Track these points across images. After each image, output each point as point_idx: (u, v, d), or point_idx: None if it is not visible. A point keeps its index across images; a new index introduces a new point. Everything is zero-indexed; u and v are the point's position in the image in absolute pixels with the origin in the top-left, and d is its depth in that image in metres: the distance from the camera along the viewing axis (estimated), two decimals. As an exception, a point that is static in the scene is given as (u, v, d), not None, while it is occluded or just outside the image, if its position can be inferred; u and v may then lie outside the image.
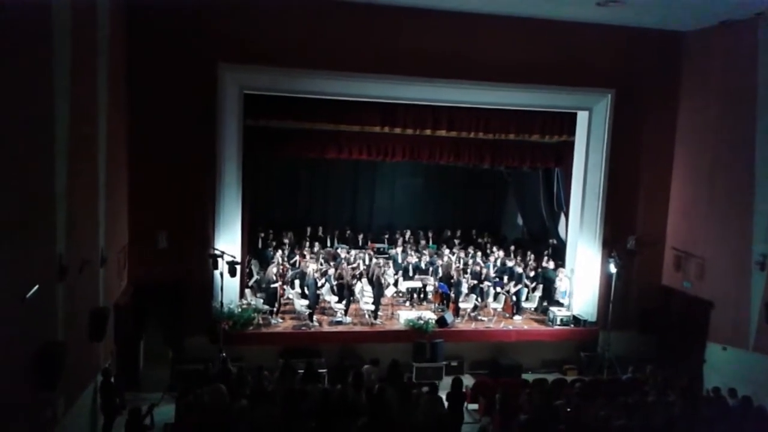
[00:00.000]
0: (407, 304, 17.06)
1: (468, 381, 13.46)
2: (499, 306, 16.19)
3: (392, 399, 10.27)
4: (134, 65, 13.17)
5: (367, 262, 17.75)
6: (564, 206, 17.63)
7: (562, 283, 16.41)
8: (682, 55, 15.57)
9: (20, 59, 6.94)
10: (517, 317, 16.14)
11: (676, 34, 15.39)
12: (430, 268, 17.47)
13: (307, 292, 15.24)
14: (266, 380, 11.36)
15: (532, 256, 18.67)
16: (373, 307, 15.42)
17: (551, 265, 17.55)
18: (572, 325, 15.76)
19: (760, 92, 13.27)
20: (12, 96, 6.71)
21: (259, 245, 18.57)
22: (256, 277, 16.44)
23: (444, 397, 10.87)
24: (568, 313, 15.91)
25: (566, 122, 16.34)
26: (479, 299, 16.18)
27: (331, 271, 16.31)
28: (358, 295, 15.72)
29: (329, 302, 15.77)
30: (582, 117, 16.00)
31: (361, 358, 13.85)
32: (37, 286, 7.04)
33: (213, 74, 13.62)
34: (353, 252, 18.66)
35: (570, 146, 16.51)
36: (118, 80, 12.15)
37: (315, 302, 15.16)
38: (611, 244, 15.68)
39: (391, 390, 10.68)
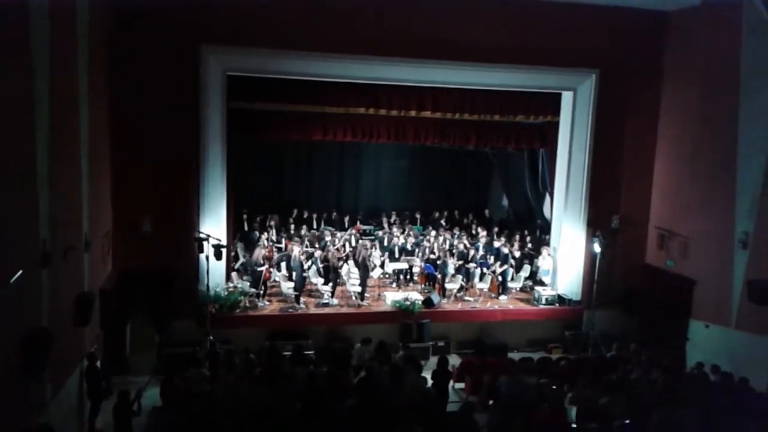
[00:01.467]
0: (394, 285, 17.13)
1: (454, 360, 13.58)
2: (485, 286, 16.29)
3: (381, 379, 10.35)
4: (116, 49, 12.99)
5: (353, 244, 17.77)
6: (549, 186, 17.73)
7: (544, 261, 16.54)
8: (666, 35, 15.59)
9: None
10: (502, 297, 16.25)
11: (660, 13, 15.38)
12: (416, 250, 17.52)
13: (293, 274, 15.25)
14: (252, 363, 11.40)
15: (518, 236, 18.78)
16: (359, 289, 15.47)
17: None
18: (557, 305, 15.91)
19: (743, 72, 13.32)
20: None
21: (244, 227, 18.53)
22: (242, 260, 16.42)
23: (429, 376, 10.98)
24: (553, 293, 16.05)
25: (551, 103, 16.38)
26: (465, 280, 16.27)
27: (318, 254, 16.33)
28: (344, 277, 15.76)
29: (316, 284, 15.80)
30: (566, 97, 16.02)
31: (348, 339, 13.92)
32: (20, 272, 6.99)
33: (196, 56, 13.51)
34: (339, 234, 18.67)
35: (555, 127, 16.56)
36: (99, 65, 12.00)
37: (301, 285, 15.18)
38: (595, 223, 15.80)
39: (379, 370, 10.77)
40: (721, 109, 13.96)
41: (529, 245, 18.32)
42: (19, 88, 7.68)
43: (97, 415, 10.73)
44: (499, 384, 10.57)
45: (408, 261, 17.14)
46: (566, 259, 16.24)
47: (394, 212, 21.19)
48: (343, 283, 15.80)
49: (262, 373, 10.73)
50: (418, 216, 21.22)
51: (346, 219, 20.47)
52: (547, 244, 17.10)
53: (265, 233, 17.80)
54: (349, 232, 18.88)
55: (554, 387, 10.66)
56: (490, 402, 10.53)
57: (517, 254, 17.29)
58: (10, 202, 7.30)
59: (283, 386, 9.99)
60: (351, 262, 16.28)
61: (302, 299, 15.13)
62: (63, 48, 9.32)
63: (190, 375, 10.65)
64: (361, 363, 11.58)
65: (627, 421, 9.12)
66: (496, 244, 17.46)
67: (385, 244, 17.87)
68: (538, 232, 19.31)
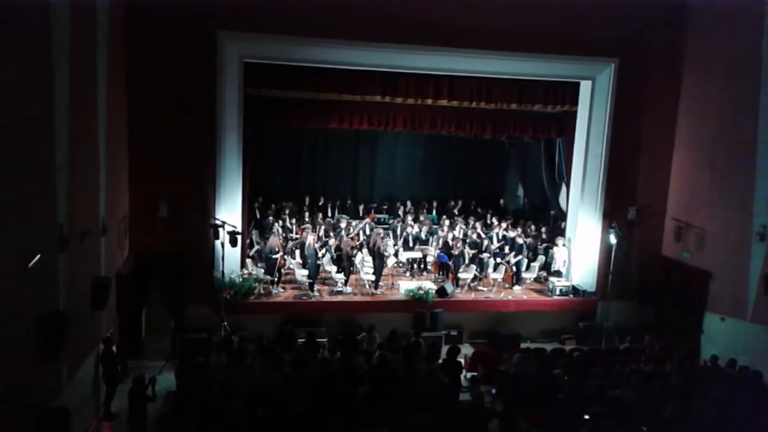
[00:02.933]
0: (407, 274, 17.13)
1: (467, 350, 13.59)
2: (499, 276, 16.25)
3: (394, 367, 10.39)
4: (133, 35, 13.04)
5: (367, 233, 17.77)
6: (565, 177, 17.59)
7: (559, 252, 16.46)
8: (687, 25, 15.39)
9: (18, 29, 6.88)
10: (516, 287, 16.21)
11: (681, 3, 15.20)
12: (431, 239, 17.50)
13: (308, 262, 15.29)
14: (266, 349, 11.46)
15: (533, 226, 18.71)
16: (373, 278, 15.49)
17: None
18: (571, 296, 15.84)
19: (765, 62, 13.13)
20: (11, 65, 6.66)
21: (257, 215, 18.58)
22: (257, 246, 16.49)
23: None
24: (568, 284, 15.99)
25: (569, 92, 16.21)
26: (479, 270, 16.23)
27: (332, 242, 16.36)
28: (358, 266, 15.78)
29: (330, 272, 15.84)
30: (585, 87, 15.88)
31: (361, 328, 13.93)
32: (38, 256, 7.07)
33: (213, 43, 13.52)
34: (354, 222, 18.68)
35: (572, 116, 16.41)
36: (117, 50, 12.06)
37: (315, 272, 15.21)
38: (612, 214, 15.69)
39: (391, 358, 10.81)
40: (741, 99, 13.79)
41: (544, 236, 18.24)
42: (39, 74, 7.74)
43: (113, 398, 10.86)
44: (513, 362, 10.65)
45: (422, 250, 17.13)
46: (581, 250, 16.17)
47: (408, 201, 21.15)
48: (357, 272, 15.83)
49: (278, 359, 10.79)
50: (435, 204, 21.16)
51: (361, 207, 20.47)
52: (562, 234, 17.01)
53: (280, 220, 17.84)
54: (365, 221, 18.86)
55: (566, 377, 10.65)
56: (492, 391, 10.54)
57: (529, 241, 17.18)
58: (29, 187, 7.38)
59: (298, 373, 10.05)
60: (365, 250, 16.30)
61: (316, 287, 15.17)
62: (82, 34, 9.37)
63: (208, 360, 10.73)
64: (372, 350, 11.63)
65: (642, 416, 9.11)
66: (511, 234, 17.40)
67: (399, 232, 17.86)
68: (551, 222, 19.22)
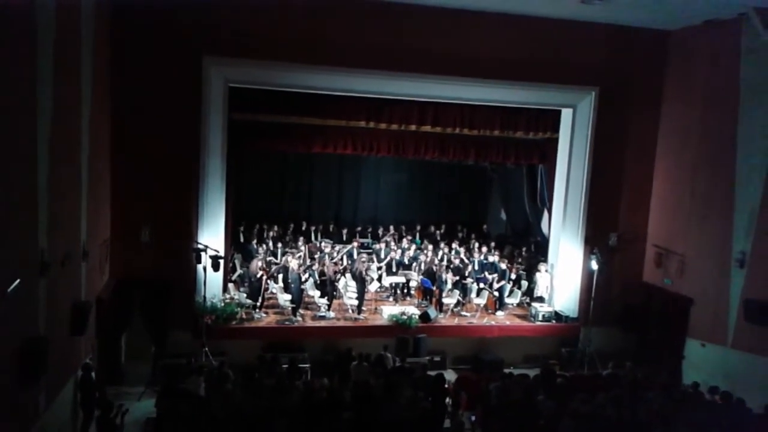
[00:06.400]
0: (390, 299, 17.08)
1: (450, 376, 13.54)
2: (482, 301, 16.25)
3: (376, 393, 10.33)
4: (118, 58, 13.05)
5: (354, 257, 17.72)
6: (547, 203, 17.74)
7: (542, 278, 16.53)
8: (667, 54, 15.68)
9: (2, 53, 6.87)
10: (499, 313, 16.22)
11: (660, 32, 15.48)
12: (414, 263, 17.49)
13: (291, 287, 15.21)
14: (251, 376, 11.38)
15: (515, 252, 18.76)
16: (356, 302, 15.43)
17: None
18: (554, 321, 15.86)
19: (743, 91, 13.42)
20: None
21: (240, 239, 18.50)
22: (239, 271, 16.39)
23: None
24: (550, 309, 16.02)
25: (550, 119, 16.42)
26: (462, 295, 16.24)
27: (315, 266, 16.29)
28: (341, 290, 15.73)
29: (313, 297, 15.76)
30: (566, 114, 16.08)
31: (349, 352, 13.85)
32: (18, 281, 6.97)
33: (198, 67, 13.54)
34: (337, 247, 18.63)
35: (554, 143, 16.59)
36: (101, 74, 12.04)
37: (299, 297, 15.12)
38: (593, 240, 15.80)
39: (375, 384, 10.76)
40: (719, 128, 14.04)
41: (523, 261, 18.29)
42: (23, 95, 7.71)
43: (90, 426, 10.67)
44: (491, 388, 10.69)
45: (405, 275, 17.12)
46: (564, 276, 16.24)
47: (392, 226, 21.16)
48: (340, 296, 15.77)
49: (261, 385, 10.71)
50: (418, 229, 21.18)
51: (345, 231, 20.44)
52: (545, 260, 17.09)
53: (263, 245, 17.76)
54: (349, 246, 18.82)
55: (549, 403, 10.64)
56: (472, 418, 10.52)
57: (503, 266, 17.21)
58: (9, 211, 7.30)
59: (281, 399, 9.96)
60: (348, 275, 16.26)
61: (299, 311, 15.07)
62: (67, 56, 9.36)
63: (188, 386, 10.61)
64: (358, 377, 11.57)
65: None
66: (494, 259, 17.44)
67: (383, 257, 17.84)
68: (533, 247, 19.31)
